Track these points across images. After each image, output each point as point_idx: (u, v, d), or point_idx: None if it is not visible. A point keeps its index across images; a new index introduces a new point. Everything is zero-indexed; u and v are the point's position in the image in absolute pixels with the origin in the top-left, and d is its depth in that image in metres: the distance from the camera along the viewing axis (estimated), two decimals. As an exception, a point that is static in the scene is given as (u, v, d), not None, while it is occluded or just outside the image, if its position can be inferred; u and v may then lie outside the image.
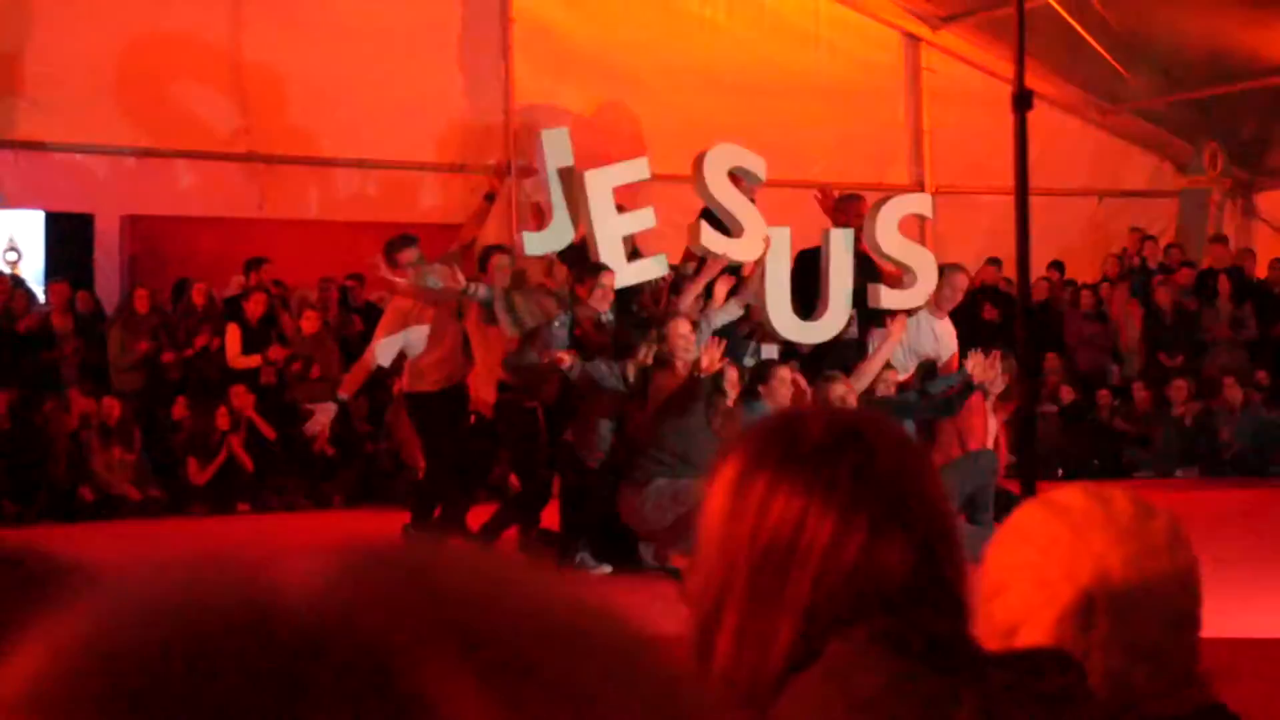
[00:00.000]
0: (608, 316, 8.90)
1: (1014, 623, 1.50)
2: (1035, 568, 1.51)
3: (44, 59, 13.50)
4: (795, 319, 9.80)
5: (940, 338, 10.15)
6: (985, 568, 1.57)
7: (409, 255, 9.12)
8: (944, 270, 10.28)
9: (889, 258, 10.09)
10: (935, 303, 10.03)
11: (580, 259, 9.31)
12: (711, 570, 1.30)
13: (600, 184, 9.72)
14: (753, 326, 9.82)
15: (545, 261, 9.77)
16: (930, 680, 1.14)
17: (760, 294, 9.69)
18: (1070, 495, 1.57)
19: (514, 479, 9.97)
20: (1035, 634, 1.49)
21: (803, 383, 9.07)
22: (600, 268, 9.01)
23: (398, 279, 9.16)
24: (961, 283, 10.39)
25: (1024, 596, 1.51)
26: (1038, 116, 14.76)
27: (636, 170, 10.59)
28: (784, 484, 1.26)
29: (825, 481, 1.25)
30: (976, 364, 9.21)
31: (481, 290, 8.86)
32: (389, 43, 14.70)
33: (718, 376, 8.47)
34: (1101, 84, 17.78)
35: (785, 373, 8.92)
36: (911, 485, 1.27)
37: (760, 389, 8.87)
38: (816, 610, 1.22)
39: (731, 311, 9.56)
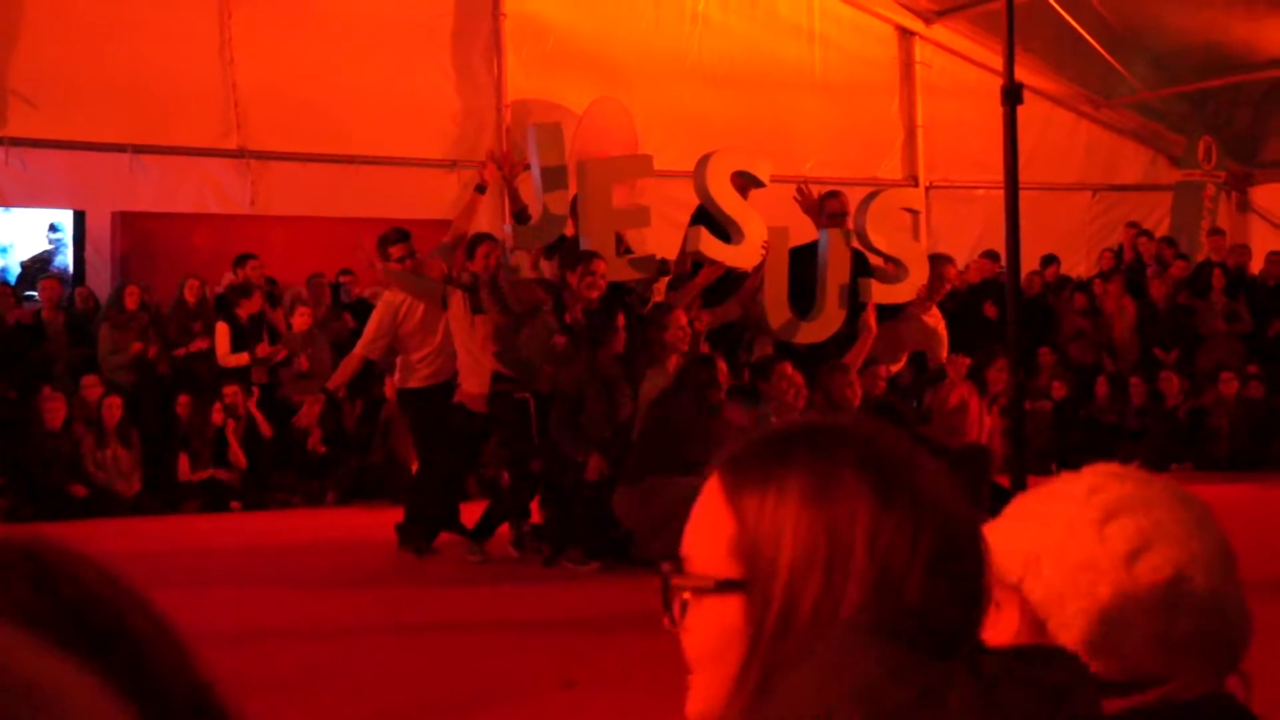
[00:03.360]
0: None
1: (1057, 596, 1.50)
2: (1068, 548, 1.51)
3: (35, 56, 13.51)
4: (794, 319, 9.80)
5: (929, 330, 10.14)
6: (1008, 553, 1.55)
7: (401, 250, 9.14)
8: (931, 261, 10.29)
9: (878, 252, 10.08)
10: (923, 295, 10.04)
11: (567, 253, 9.30)
12: (792, 586, 1.23)
13: (599, 176, 9.69)
14: (750, 323, 9.80)
15: (534, 256, 9.76)
16: (927, 669, 1.13)
17: (759, 295, 9.68)
18: (1093, 476, 1.58)
19: (505, 473, 9.96)
20: (1078, 613, 1.49)
21: (799, 379, 9.06)
22: (592, 255, 9.00)
23: (386, 269, 9.18)
24: (949, 273, 10.41)
25: (1064, 573, 1.51)
26: (1031, 110, 14.82)
27: (640, 167, 10.49)
28: (884, 504, 1.22)
29: (911, 501, 1.22)
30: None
31: (465, 276, 8.85)
32: (380, 39, 14.72)
33: (708, 369, 8.44)
34: (1095, 77, 17.81)
35: (786, 369, 8.89)
36: (953, 499, 1.26)
37: (761, 386, 8.84)
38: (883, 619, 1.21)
39: (731, 313, 9.54)
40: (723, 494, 1.26)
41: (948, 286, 10.39)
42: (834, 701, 1.13)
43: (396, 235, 9.24)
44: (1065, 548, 1.54)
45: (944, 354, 10.11)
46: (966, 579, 1.23)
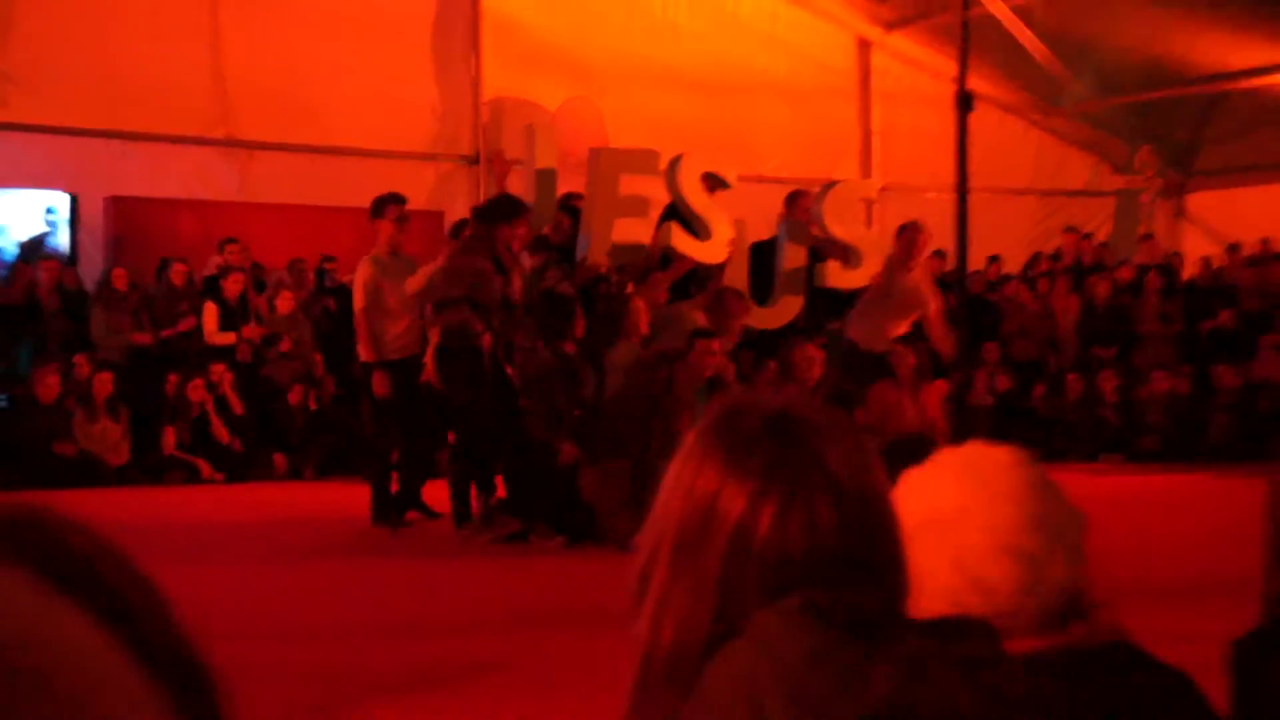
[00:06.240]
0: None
1: (921, 572, 1.51)
2: (936, 522, 1.60)
3: (28, 42, 13.73)
4: (754, 305, 10.20)
5: (915, 291, 10.28)
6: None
7: (396, 210, 9.34)
8: (902, 229, 10.54)
9: (836, 239, 10.67)
10: (899, 262, 10.26)
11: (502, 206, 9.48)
12: (645, 543, 1.35)
13: (610, 165, 10.20)
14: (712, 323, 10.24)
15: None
16: (850, 649, 1.17)
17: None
18: (964, 454, 1.72)
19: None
20: (937, 582, 1.57)
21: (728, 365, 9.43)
22: (524, 211, 9.25)
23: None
24: (920, 239, 10.46)
25: (929, 547, 1.57)
26: (981, 118, 15.10)
27: (648, 162, 10.61)
28: (708, 463, 1.30)
29: (741, 464, 1.29)
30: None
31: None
32: (364, 33, 15.04)
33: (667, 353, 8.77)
34: (1043, 87, 18.29)
35: (709, 345, 8.99)
36: (838, 472, 1.29)
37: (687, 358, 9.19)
38: (729, 586, 1.27)
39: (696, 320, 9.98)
40: None
41: (920, 252, 10.43)
42: (759, 684, 1.18)
43: (391, 197, 9.42)
44: (937, 516, 1.63)
45: (933, 308, 10.19)
46: (821, 535, 1.27)
